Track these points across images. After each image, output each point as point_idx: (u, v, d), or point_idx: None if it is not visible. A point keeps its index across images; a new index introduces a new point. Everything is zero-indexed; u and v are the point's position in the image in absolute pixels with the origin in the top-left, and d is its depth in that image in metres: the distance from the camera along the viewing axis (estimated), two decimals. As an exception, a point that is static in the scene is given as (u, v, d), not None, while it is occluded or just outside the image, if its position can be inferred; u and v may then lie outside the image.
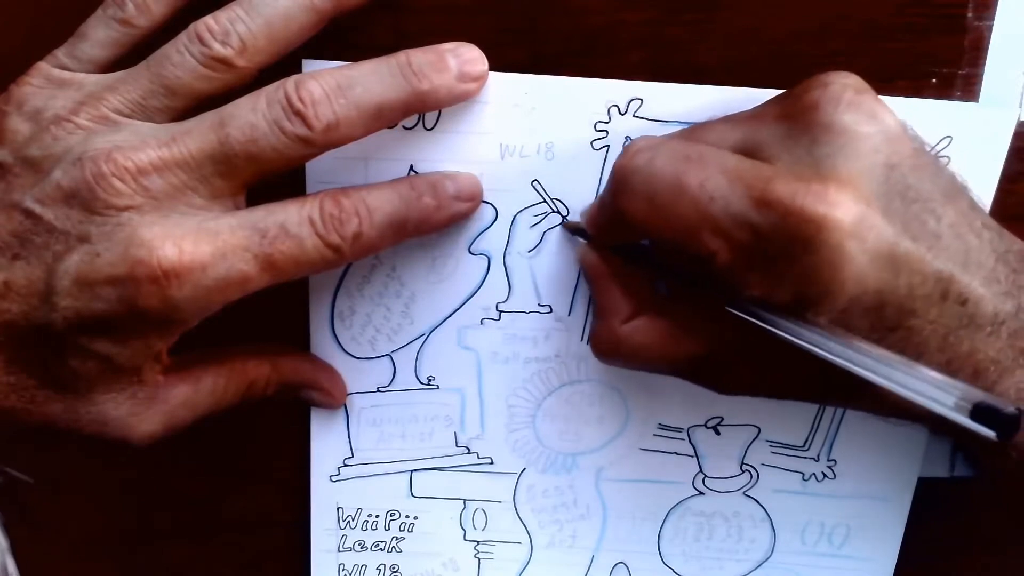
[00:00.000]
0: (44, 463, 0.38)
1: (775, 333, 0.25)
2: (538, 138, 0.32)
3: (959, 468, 0.37)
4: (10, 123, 0.28)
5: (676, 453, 0.37)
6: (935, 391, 0.22)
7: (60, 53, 0.29)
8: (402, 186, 0.30)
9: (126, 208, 0.26)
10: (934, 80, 0.31)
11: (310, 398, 0.35)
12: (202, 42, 0.27)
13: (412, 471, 0.37)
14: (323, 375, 0.35)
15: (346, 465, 0.37)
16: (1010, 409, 0.20)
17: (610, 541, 0.38)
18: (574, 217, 0.33)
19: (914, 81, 0.31)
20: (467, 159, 0.32)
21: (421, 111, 0.31)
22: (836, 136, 0.25)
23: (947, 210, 0.25)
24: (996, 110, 0.31)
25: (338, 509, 0.38)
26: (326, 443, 0.36)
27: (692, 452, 0.37)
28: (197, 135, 0.27)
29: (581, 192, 0.32)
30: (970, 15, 0.30)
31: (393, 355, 0.35)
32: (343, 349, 0.35)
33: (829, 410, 0.36)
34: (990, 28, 0.30)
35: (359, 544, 0.38)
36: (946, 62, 0.31)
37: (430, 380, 0.35)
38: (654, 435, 0.36)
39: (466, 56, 0.29)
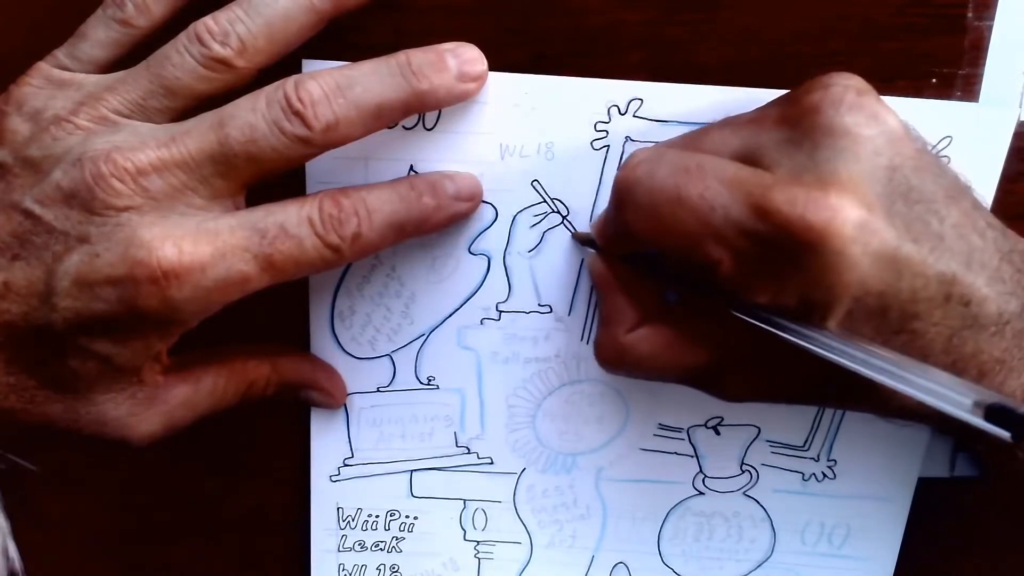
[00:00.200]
0: (44, 463, 0.38)
1: (783, 337, 0.25)
2: (538, 138, 0.32)
3: (959, 468, 0.37)
4: (10, 123, 0.28)
5: (676, 453, 0.37)
6: (948, 392, 0.22)
7: (60, 53, 0.29)
8: (402, 186, 0.30)
9: (125, 209, 0.26)
10: (934, 80, 0.31)
11: (310, 398, 0.35)
12: (201, 43, 0.27)
13: (412, 471, 0.37)
14: (323, 375, 0.35)
15: (346, 465, 0.37)
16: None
17: (610, 541, 0.38)
18: (573, 218, 0.33)
19: (914, 81, 0.31)
20: (467, 159, 0.32)
21: (421, 111, 0.31)
22: (837, 139, 0.25)
23: (950, 211, 0.25)
24: (996, 110, 0.31)
25: (338, 509, 0.38)
26: (326, 443, 0.36)
27: (692, 452, 0.37)
28: (196, 135, 0.27)
29: (581, 192, 0.32)
30: (970, 15, 0.30)
31: (393, 355, 0.35)
32: (343, 349, 0.35)
33: (829, 410, 0.36)
34: (990, 28, 0.30)
35: (359, 544, 0.38)
36: (946, 62, 0.31)
37: (430, 380, 0.35)
38: (654, 435, 0.36)
39: (466, 56, 0.29)
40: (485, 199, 0.32)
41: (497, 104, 0.31)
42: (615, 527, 0.38)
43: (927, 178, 0.25)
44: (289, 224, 0.27)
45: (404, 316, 0.34)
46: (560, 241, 0.33)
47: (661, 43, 0.31)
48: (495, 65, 0.30)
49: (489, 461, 0.37)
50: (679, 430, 0.36)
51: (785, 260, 0.25)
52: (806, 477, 0.37)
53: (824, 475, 0.37)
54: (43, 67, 0.29)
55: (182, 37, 0.28)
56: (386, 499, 0.37)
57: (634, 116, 0.31)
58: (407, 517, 0.38)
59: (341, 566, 0.39)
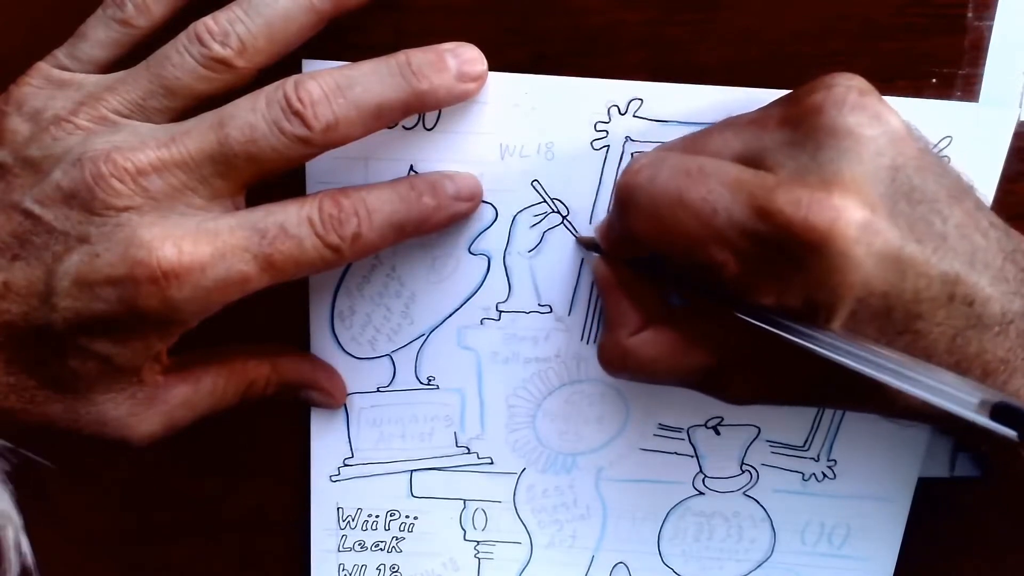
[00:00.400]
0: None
1: (788, 339, 0.25)
2: (538, 138, 0.32)
3: (959, 468, 0.37)
4: (10, 123, 0.28)
5: (676, 453, 0.37)
6: (953, 392, 0.22)
7: (60, 53, 0.29)
8: (402, 186, 0.30)
9: (125, 209, 0.26)
10: (934, 80, 0.31)
11: (310, 398, 0.35)
12: (201, 43, 0.27)
13: (412, 471, 0.37)
14: (323, 375, 0.35)
15: (346, 465, 0.37)
16: None
17: (610, 541, 0.38)
18: (573, 217, 0.33)
19: (914, 81, 0.31)
20: (467, 159, 0.32)
21: (420, 111, 0.31)
22: (840, 139, 0.25)
23: (953, 210, 0.25)
24: (996, 110, 0.31)
25: (338, 509, 0.38)
26: (326, 443, 0.36)
27: (692, 452, 0.37)
28: (196, 135, 0.27)
29: (581, 192, 0.32)
30: (970, 15, 0.30)
31: (393, 355, 0.35)
32: (343, 349, 0.35)
33: (829, 410, 0.36)
34: (990, 28, 0.30)
35: (359, 544, 0.38)
36: (946, 62, 0.31)
37: (430, 380, 0.35)
38: (654, 435, 0.36)
39: (465, 56, 0.29)
40: (485, 199, 0.32)
41: (497, 104, 0.31)
42: (615, 527, 0.38)
43: (930, 178, 0.25)
44: (289, 224, 0.27)
45: (404, 316, 0.34)
46: (560, 241, 0.33)
47: (661, 43, 0.31)
48: (495, 65, 0.30)
49: (489, 461, 0.37)
50: (679, 430, 0.36)
51: (789, 262, 0.25)
52: (806, 477, 0.37)
53: (824, 475, 0.37)
54: (43, 67, 0.29)
55: (182, 37, 0.28)
56: (386, 499, 0.37)
57: (634, 116, 0.31)
58: (407, 517, 0.38)
59: (341, 566, 0.39)
